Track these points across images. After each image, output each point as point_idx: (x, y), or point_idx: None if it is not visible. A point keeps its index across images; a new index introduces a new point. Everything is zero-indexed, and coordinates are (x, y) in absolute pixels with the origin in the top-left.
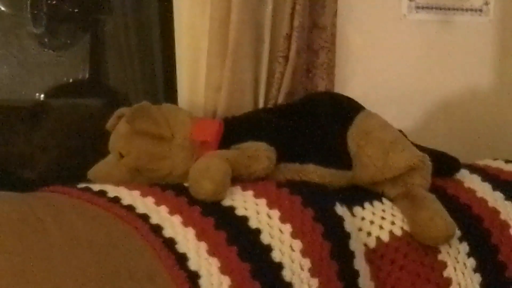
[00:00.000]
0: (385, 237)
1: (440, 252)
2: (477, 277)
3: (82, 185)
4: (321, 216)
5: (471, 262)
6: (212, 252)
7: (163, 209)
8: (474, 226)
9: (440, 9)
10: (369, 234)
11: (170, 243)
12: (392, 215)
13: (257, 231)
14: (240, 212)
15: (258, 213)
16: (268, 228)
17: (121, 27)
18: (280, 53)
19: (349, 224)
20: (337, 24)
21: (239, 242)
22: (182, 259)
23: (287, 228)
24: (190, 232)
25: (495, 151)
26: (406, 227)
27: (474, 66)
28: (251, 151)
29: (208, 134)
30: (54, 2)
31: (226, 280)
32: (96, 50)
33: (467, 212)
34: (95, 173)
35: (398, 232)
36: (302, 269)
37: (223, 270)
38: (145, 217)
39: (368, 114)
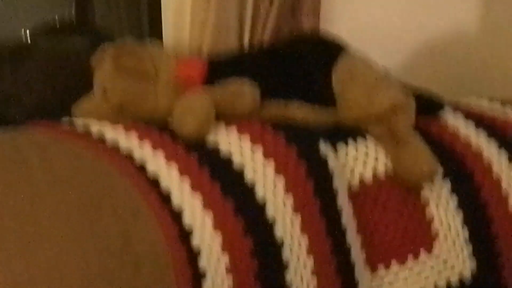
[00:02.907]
0: (368, 175)
1: (422, 189)
2: (459, 214)
3: (66, 120)
4: (304, 152)
5: (453, 199)
6: (195, 187)
7: (147, 144)
8: (457, 163)
9: None
10: (352, 171)
11: (153, 180)
12: (376, 151)
13: (241, 167)
14: (224, 147)
15: (241, 147)
16: (252, 163)
17: None
18: None
19: (333, 161)
20: None
21: (223, 177)
22: (165, 195)
23: (271, 163)
24: (174, 167)
25: (479, 91)
26: (389, 164)
27: (459, 5)
28: (234, 87)
29: (192, 72)
30: None
31: (209, 215)
32: None
33: (450, 150)
34: (79, 109)
35: (381, 169)
36: (284, 205)
37: (206, 205)
38: (129, 153)
39: (352, 54)
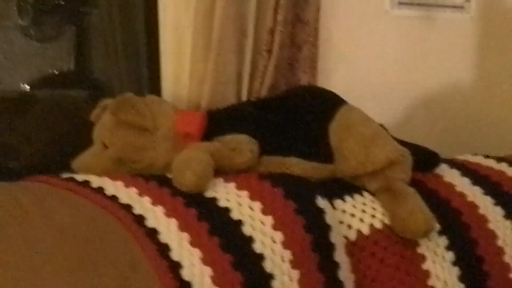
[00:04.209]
0: (366, 230)
1: (419, 245)
2: (456, 270)
3: (66, 175)
4: (302, 208)
5: (450, 255)
6: (194, 243)
7: (146, 199)
8: (453, 220)
9: (422, 5)
10: (349, 227)
11: (152, 234)
12: (373, 208)
13: (239, 223)
14: (222, 203)
15: (240, 204)
16: (250, 219)
17: (106, 19)
18: (263, 47)
19: (330, 216)
20: (320, 18)
21: (221, 233)
22: (164, 249)
23: (269, 220)
24: (173, 222)
25: (474, 147)
26: (386, 220)
27: (454, 62)
28: (233, 144)
29: (191, 126)
30: None
31: (207, 271)
32: (81, 42)
33: (446, 206)
34: (79, 163)
35: (378, 225)
36: (283, 260)
37: (205, 260)
38: (128, 208)
39: (349, 108)
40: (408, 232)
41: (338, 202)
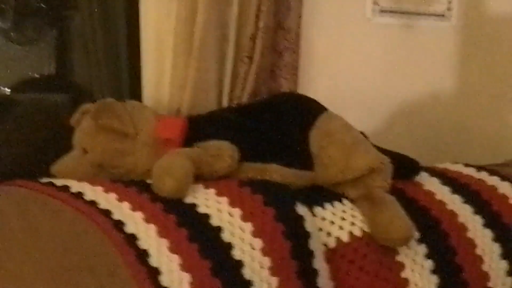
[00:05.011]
0: (345, 238)
1: (398, 253)
2: (435, 279)
3: (45, 180)
4: (282, 215)
5: (429, 263)
6: (173, 249)
7: (126, 205)
8: (432, 228)
9: (404, 13)
10: (329, 234)
11: (131, 239)
12: (352, 216)
13: (218, 229)
14: (201, 210)
15: (219, 211)
16: (229, 226)
17: (87, 24)
18: (244, 53)
19: (310, 223)
20: (301, 26)
21: (200, 239)
22: (143, 255)
23: (248, 226)
24: (152, 228)
25: (455, 155)
26: (365, 228)
27: (436, 70)
28: (214, 150)
29: (172, 132)
30: None
31: (186, 277)
32: (62, 46)
33: (425, 215)
34: (59, 168)
35: (357, 232)
36: (262, 267)
37: (184, 267)
38: (107, 213)
39: (330, 116)
40: (388, 240)
41: (318, 209)
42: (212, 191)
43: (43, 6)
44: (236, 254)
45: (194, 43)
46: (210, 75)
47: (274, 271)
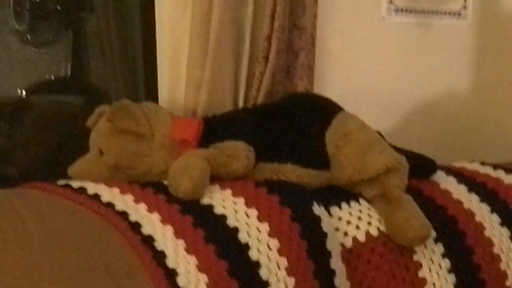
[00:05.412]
0: (362, 237)
1: (415, 252)
2: (452, 278)
3: (62, 182)
4: (298, 215)
5: (446, 262)
6: (190, 250)
7: (142, 206)
8: (449, 227)
9: (419, 12)
10: (345, 234)
11: (148, 241)
12: (369, 215)
13: (235, 230)
14: (218, 210)
15: (236, 211)
16: (246, 226)
17: (103, 25)
18: (260, 54)
19: (326, 223)
20: (317, 25)
21: (217, 240)
22: (160, 256)
23: (265, 227)
24: (169, 229)
25: (471, 154)
26: (382, 228)
27: (452, 68)
28: (230, 150)
29: (188, 133)
30: None
31: (203, 278)
32: (78, 48)
33: (442, 214)
34: (75, 170)
35: (374, 232)
36: (279, 267)
37: (201, 268)
38: (124, 214)
39: (346, 115)
40: (404, 239)
41: (334, 209)
42: (228, 191)
43: (59, 8)
44: (253, 254)
45: (209, 43)
46: (225, 76)
47: (290, 271)
